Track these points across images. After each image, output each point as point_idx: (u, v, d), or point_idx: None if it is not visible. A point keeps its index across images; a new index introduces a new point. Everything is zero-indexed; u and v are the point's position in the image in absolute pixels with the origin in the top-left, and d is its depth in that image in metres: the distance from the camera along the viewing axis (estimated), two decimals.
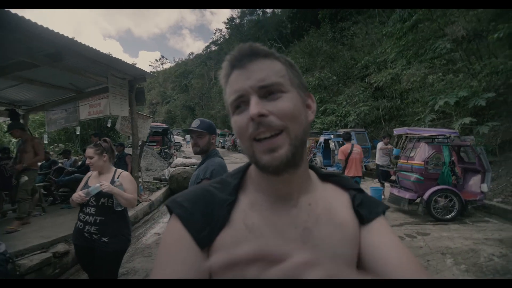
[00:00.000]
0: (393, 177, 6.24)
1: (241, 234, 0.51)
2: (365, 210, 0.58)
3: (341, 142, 8.30)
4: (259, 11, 40.66)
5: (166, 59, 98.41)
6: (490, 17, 8.71)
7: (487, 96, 7.15)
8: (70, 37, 3.69)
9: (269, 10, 38.18)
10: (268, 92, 0.49)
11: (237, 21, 42.73)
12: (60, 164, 6.00)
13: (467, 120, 7.20)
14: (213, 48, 54.14)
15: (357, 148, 5.27)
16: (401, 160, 5.91)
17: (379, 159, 7.07)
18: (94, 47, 4.07)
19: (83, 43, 3.90)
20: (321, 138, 11.54)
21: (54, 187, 5.55)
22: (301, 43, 21.38)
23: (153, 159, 9.98)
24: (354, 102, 14.29)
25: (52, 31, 3.44)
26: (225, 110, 0.57)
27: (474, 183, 5.32)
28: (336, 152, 9.75)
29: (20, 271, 2.83)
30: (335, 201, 0.59)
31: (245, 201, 0.55)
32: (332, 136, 11.05)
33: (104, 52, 4.38)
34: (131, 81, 5.51)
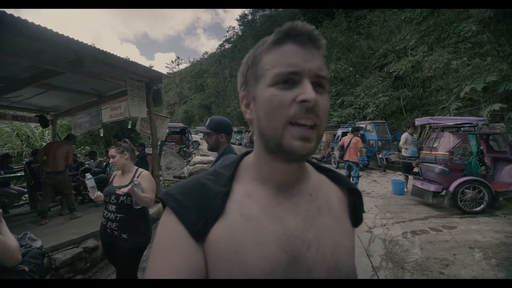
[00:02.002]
0: (415, 169, 6.01)
1: (237, 224, 0.50)
2: (359, 216, 0.63)
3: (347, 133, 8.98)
4: None
5: (182, 59, 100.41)
6: None
7: None
8: (89, 43, 3.87)
9: None
10: (317, 82, 0.49)
11: (250, 17, 42.66)
12: (87, 165, 6.32)
13: (496, 106, 6.76)
14: (227, 46, 54.44)
15: (355, 140, 6.36)
16: (424, 151, 5.67)
17: (404, 150, 6.84)
18: (112, 52, 4.23)
19: (101, 49, 4.07)
20: (339, 132, 11.31)
21: (83, 187, 5.86)
22: None
23: (172, 158, 10.26)
24: (372, 93, 13.85)
25: (72, 38, 3.61)
26: (248, 77, 0.53)
27: (506, 173, 5.00)
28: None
29: (55, 265, 3.05)
30: (332, 195, 0.60)
31: (241, 192, 0.54)
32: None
33: (122, 56, 4.55)
34: (148, 83, 5.67)
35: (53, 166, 4.50)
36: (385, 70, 14.57)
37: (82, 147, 10.68)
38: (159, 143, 6.29)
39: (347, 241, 0.56)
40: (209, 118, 2.07)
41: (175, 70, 66.81)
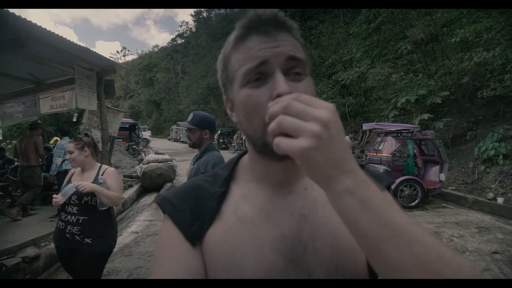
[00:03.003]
0: None
1: (231, 226, 0.48)
2: None
3: None
4: None
5: (129, 50, 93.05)
6: (443, 22, 9.62)
7: (442, 94, 7.91)
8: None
9: None
10: (292, 68, 0.44)
11: (205, 14, 41.71)
12: (18, 162, 5.42)
13: (425, 116, 7.90)
14: (180, 41, 52.28)
15: None
16: (370, 153, 6.32)
17: None
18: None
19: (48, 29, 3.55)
20: None
21: (12, 188, 5.01)
22: None
23: (121, 155, 9.46)
24: (323, 99, 14.76)
25: (12, 13, 3.09)
26: (223, 81, 0.51)
27: (433, 173, 5.89)
28: None
29: None
30: None
31: (238, 192, 0.52)
32: None
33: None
34: (99, 73, 5.14)
35: (24, 160, 4.44)
36: (333, 79, 15.78)
37: (8, 141, 9.10)
38: (109, 139, 5.74)
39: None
40: (192, 113, 2.00)
41: (120, 61, 61.28)
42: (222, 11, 39.97)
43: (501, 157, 6.09)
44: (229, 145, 19.15)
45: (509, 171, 5.85)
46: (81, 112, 5.98)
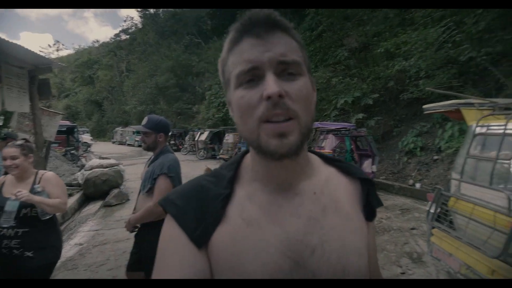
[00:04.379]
0: None
1: (238, 229, 0.48)
2: (373, 209, 0.58)
3: None
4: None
5: (63, 44, 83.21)
6: (373, 33, 10.95)
7: (373, 96, 9.04)
8: None
9: None
10: (285, 70, 0.45)
11: (152, 10, 39.64)
12: None
13: (360, 115, 8.94)
14: (124, 37, 48.72)
15: None
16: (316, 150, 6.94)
17: None
18: None
19: None
20: None
21: None
22: (222, 41, 21.49)
23: (58, 162, 8.57)
24: None
25: None
26: (223, 83, 0.52)
27: (367, 165, 6.74)
28: None
29: None
30: (340, 190, 0.56)
31: (242, 194, 0.52)
32: None
33: None
34: (31, 71, 4.67)
35: None
36: None
37: None
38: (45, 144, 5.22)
39: (358, 241, 0.52)
40: (146, 117, 2.06)
41: (53, 56, 54.46)
42: (170, 8, 38.47)
43: (418, 149, 7.25)
44: (180, 147, 18.59)
45: (424, 161, 7.00)
46: (6, 114, 5.33)
